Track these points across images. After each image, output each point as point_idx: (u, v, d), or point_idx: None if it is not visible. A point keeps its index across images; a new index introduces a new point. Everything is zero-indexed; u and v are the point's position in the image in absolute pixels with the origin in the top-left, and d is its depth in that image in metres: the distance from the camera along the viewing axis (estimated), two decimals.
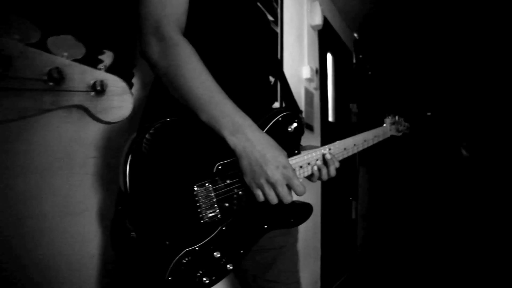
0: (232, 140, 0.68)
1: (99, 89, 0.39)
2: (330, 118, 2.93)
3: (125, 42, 0.96)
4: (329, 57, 3.08)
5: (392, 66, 4.36)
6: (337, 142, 0.96)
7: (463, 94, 4.27)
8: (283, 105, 1.08)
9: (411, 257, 3.74)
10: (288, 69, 2.05)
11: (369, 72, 3.50)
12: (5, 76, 0.32)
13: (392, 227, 4.29)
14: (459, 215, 3.94)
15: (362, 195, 3.76)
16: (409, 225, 4.28)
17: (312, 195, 2.37)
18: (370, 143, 1.09)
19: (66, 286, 0.87)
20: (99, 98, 0.39)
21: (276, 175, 0.68)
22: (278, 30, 1.99)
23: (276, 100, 1.86)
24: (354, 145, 1.01)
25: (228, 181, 0.74)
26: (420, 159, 4.42)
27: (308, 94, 2.31)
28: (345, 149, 0.98)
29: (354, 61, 3.51)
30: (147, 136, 0.65)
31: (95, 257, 0.94)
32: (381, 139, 1.14)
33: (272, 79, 1.75)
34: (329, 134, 2.67)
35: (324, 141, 2.53)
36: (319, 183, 2.50)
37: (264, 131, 0.79)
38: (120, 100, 0.42)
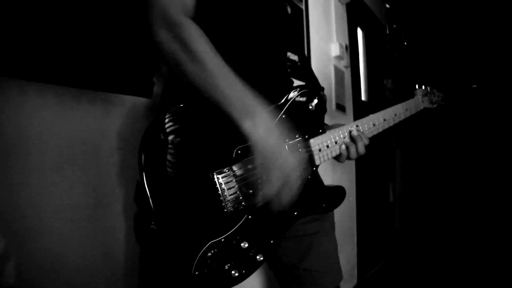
0: (246, 125, 0.63)
1: None
2: (363, 97, 2.78)
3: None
4: (359, 32, 2.90)
5: (430, 34, 4.00)
6: (365, 118, 0.90)
7: None
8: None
9: (452, 241, 3.53)
10: (315, 47, 1.94)
11: (405, 43, 3.23)
12: None
13: (431, 210, 4.06)
14: (502, 198, 3.62)
15: (400, 177, 3.58)
16: (450, 208, 4.02)
17: (346, 178, 2.28)
18: (402, 117, 0.99)
19: (99, 274, 0.89)
20: None
21: (292, 166, 0.65)
22: (303, 6, 1.88)
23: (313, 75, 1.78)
24: (384, 120, 0.93)
25: (250, 166, 0.69)
26: (463, 137, 4.09)
27: (338, 73, 2.18)
28: (374, 125, 0.91)
29: (387, 29, 3.24)
30: (160, 124, 0.62)
31: (122, 251, 0.95)
32: (413, 112, 1.05)
33: (295, 57, 1.67)
34: (362, 115, 2.52)
35: None
36: (353, 165, 2.40)
37: (284, 110, 0.75)
38: None
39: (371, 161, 2.82)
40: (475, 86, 4.16)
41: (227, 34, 0.78)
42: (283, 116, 0.75)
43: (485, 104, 3.97)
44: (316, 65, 1.92)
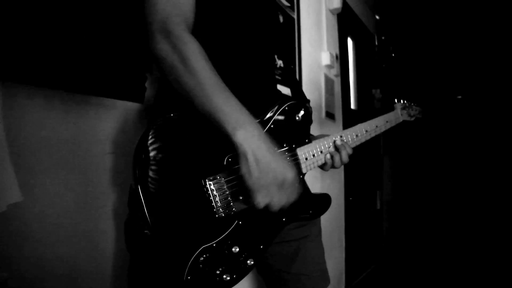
0: (237, 136, 0.64)
1: None
2: (352, 106, 2.83)
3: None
4: (349, 41, 2.96)
5: (417, 46, 4.12)
6: (348, 129, 0.95)
7: (498, 75, 3.98)
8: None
9: (438, 247, 3.60)
10: (306, 56, 1.98)
11: (393, 54, 3.33)
12: None
13: (418, 217, 4.13)
14: (489, 204, 3.72)
15: (387, 184, 3.64)
16: (437, 215, 4.11)
17: (335, 185, 2.31)
18: (383, 129, 1.07)
19: (88, 279, 0.88)
20: None
21: (284, 174, 0.66)
22: (295, 16, 1.92)
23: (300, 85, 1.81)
24: (366, 131, 0.99)
25: (240, 173, 0.70)
26: (449, 145, 4.20)
27: (328, 82, 2.22)
28: (357, 135, 0.96)
29: (376, 41, 3.34)
30: (152, 133, 0.63)
31: (112, 254, 0.95)
32: (393, 124, 1.12)
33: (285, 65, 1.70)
34: (351, 123, 2.57)
35: None
36: (341, 172, 2.44)
37: (271, 121, 0.79)
38: None
39: (359, 168, 2.87)
40: (460, 97, 4.30)
41: (219, 43, 0.80)
42: (272, 126, 0.78)
43: (471, 114, 4.09)
44: (307, 73, 1.96)
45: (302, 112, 0.83)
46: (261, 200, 0.65)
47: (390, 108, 1.20)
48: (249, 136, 0.63)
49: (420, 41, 4.12)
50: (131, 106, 0.99)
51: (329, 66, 2.23)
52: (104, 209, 0.93)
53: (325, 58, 2.17)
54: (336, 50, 2.43)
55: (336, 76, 2.38)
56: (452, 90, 4.28)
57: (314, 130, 0.94)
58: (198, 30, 0.75)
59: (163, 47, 0.67)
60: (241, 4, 0.88)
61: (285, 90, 1.18)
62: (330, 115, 2.19)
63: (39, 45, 0.77)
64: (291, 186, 0.67)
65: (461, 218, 3.90)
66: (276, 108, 0.80)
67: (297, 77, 1.85)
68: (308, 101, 0.91)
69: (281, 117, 0.80)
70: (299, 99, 0.86)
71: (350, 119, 2.57)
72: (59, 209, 0.83)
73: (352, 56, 2.99)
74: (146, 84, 0.99)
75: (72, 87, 0.85)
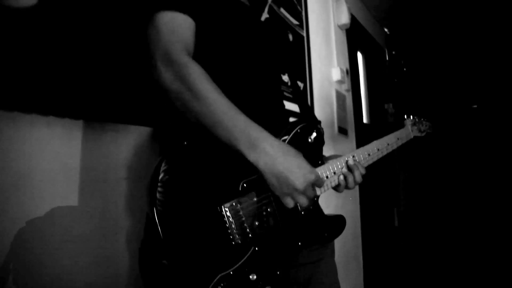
0: (252, 155, 0.65)
1: None
2: (365, 120, 2.80)
3: None
4: (359, 56, 2.97)
5: (429, 59, 4.09)
6: (360, 149, 0.94)
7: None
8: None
9: (460, 266, 3.44)
10: (317, 73, 1.98)
11: (404, 69, 3.31)
12: None
13: (439, 234, 3.98)
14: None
15: (405, 201, 3.55)
16: (458, 232, 3.95)
17: (350, 203, 2.26)
18: (394, 146, 1.06)
19: None
20: None
21: (303, 183, 0.66)
22: (304, 33, 1.94)
23: (307, 103, 1.82)
24: (378, 149, 0.98)
25: (255, 199, 0.71)
26: (467, 157, 4.07)
27: (340, 97, 2.22)
28: (369, 154, 0.95)
29: (387, 58, 3.33)
30: (166, 163, 0.64)
31: (128, 279, 0.94)
32: (404, 141, 1.12)
33: (301, 84, 1.73)
34: (364, 137, 2.54)
35: (359, 145, 2.41)
36: (356, 190, 2.39)
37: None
38: None
39: (375, 185, 2.81)
40: (475, 106, 4.20)
41: (226, 65, 0.82)
42: None
43: (487, 123, 3.98)
44: (318, 90, 1.96)
45: (314, 134, 0.84)
46: (289, 203, 0.67)
47: (403, 123, 1.19)
48: (262, 155, 0.64)
49: (431, 52, 4.09)
50: (144, 131, 1.00)
51: (340, 82, 2.23)
52: (119, 236, 0.93)
53: (336, 74, 2.17)
54: (346, 65, 2.43)
55: (347, 91, 2.37)
56: (466, 99, 4.20)
57: (327, 146, 0.93)
58: (200, 54, 0.77)
59: (166, 76, 0.68)
60: (242, 27, 0.89)
61: (293, 107, 1.19)
62: (342, 131, 2.17)
63: (56, 78, 0.80)
64: (315, 185, 0.69)
65: (482, 233, 3.74)
66: (288, 131, 0.80)
67: (308, 93, 1.85)
68: (319, 122, 0.91)
69: (294, 140, 0.80)
70: (311, 121, 0.86)
71: (363, 134, 2.54)
72: (77, 234, 0.83)
73: (362, 70, 2.98)
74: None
75: (90, 115, 0.87)
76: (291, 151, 0.68)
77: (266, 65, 0.93)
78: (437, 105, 3.92)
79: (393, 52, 3.26)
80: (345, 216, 0.91)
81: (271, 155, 0.65)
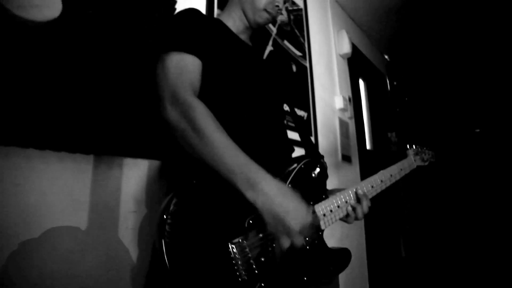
0: (249, 195, 0.67)
1: None
2: (368, 146, 2.81)
3: None
4: (361, 83, 3.02)
5: (428, 85, 4.15)
6: (363, 181, 0.95)
7: None
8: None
9: None
10: (320, 101, 2.02)
11: (406, 99, 3.36)
12: None
13: (446, 264, 3.87)
14: None
15: (411, 230, 3.48)
16: (466, 262, 3.84)
17: (355, 233, 2.23)
18: (398, 177, 1.06)
19: None
20: None
21: (299, 224, 0.67)
22: (307, 64, 1.99)
23: (311, 134, 1.84)
24: (381, 181, 0.99)
25: (260, 235, 0.72)
26: (473, 182, 4.03)
27: (343, 125, 2.24)
28: (372, 187, 0.96)
29: (388, 86, 3.39)
30: (176, 201, 0.65)
31: None
32: (407, 171, 1.12)
33: (305, 113, 1.76)
34: (368, 163, 2.55)
35: (363, 171, 2.42)
36: (362, 220, 2.36)
37: (289, 180, 0.80)
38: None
39: (380, 214, 2.78)
40: (478, 130, 4.21)
41: (230, 100, 0.85)
42: (289, 186, 0.80)
43: (490, 149, 3.97)
44: (321, 118, 1.99)
45: (318, 170, 0.86)
46: (284, 243, 0.67)
47: (405, 153, 1.20)
48: (260, 195, 0.66)
49: (431, 78, 4.16)
50: (152, 164, 1.02)
51: (343, 110, 2.26)
52: (128, 268, 0.93)
53: (339, 102, 2.21)
54: (348, 93, 2.48)
55: (350, 118, 2.40)
56: (469, 124, 4.21)
57: (331, 174, 0.95)
58: (205, 91, 0.80)
59: (173, 115, 0.71)
60: (244, 65, 0.94)
61: (296, 136, 1.22)
62: (346, 158, 2.18)
63: (68, 116, 0.83)
64: (310, 227, 0.69)
65: (491, 263, 3.63)
66: (292, 167, 0.82)
67: (312, 122, 1.88)
68: (322, 156, 0.93)
69: (297, 176, 0.82)
70: (314, 156, 0.89)
71: (366, 160, 2.55)
72: (84, 269, 0.84)
73: (364, 97, 3.03)
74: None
75: (100, 150, 0.89)
76: (288, 192, 0.69)
77: (269, 99, 0.97)
78: (440, 132, 3.93)
79: (395, 83, 3.32)
80: (350, 245, 0.91)
81: (268, 195, 0.66)
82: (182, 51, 0.79)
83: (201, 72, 0.81)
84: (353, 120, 2.47)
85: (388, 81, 3.48)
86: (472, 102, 4.12)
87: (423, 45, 3.70)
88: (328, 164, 0.96)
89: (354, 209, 0.88)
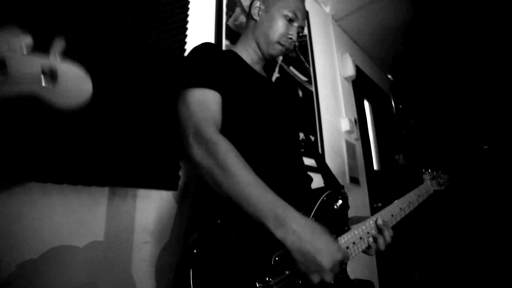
0: (279, 234, 0.66)
1: (50, 75, 0.36)
2: (375, 167, 2.81)
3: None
4: (366, 104, 3.05)
5: (434, 105, 4.17)
6: (383, 210, 0.95)
7: None
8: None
9: None
10: (326, 124, 2.05)
11: (412, 121, 3.37)
12: None
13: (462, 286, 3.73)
14: None
15: (424, 253, 3.39)
16: (482, 284, 3.70)
17: (366, 258, 2.18)
18: (416, 204, 1.06)
19: None
20: (53, 85, 0.37)
21: (330, 262, 0.66)
22: (313, 88, 2.03)
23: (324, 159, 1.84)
24: (401, 209, 0.99)
25: (287, 272, 0.71)
26: (485, 201, 3.94)
27: (350, 146, 2.25)
28: (392, 215, 0.96)
29: (393, 106, 3.41)
30: (202, 240, 0.66)
31: None
32: (425, 197, 1.12)
33: (312, 137, 1.78)
34: (376, 184, 2.53)
35: (372, 193, 2.40)
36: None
37: (312, 214, 0.80)
38: (77, 85, 0.41)
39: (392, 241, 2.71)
40: (486, 147, 4.16)
41: (250, 132, 0.86)
42: (313, 219, 0.80)
43: (501, 162, 3.89)
44: (328, 141, 2.00)
45: (340, 202, 0.85)
46: (315, 280, 0.67)
47: (416, 174, 1.19)
48: (290, 233, 0.65)
49: (435, 97, 4.18)
50: (165, 195, 1.04)
51: (349, 132, 2.28)
52: None
53: (345, 124, 2.23)
54: (354, 115, 2.51)
55: (356, 140, 2.41)
56: (476, 141, 4.17)
57: None
58: (225, 123, 0.81)
59: (198, 152, 0.72)
60: (263, 97, 0.96)
61: (310, 162, 1.23)
62: (354, 180, 2.17)
63: (85, 150, 0.86)
64: (340, 264, 0.69)
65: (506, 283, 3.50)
66: (315, 200, 0.82)
67: (319, 145, 1.89)
68: (343, 186, 0.93)
69: (320, 209, 0.81)
70: (335, 187, 0.89)
71: (374, 181, 2.54)
72: None
73: (370, 118, 3.05)
74: (180, 173, 1.04)
75: (114, 182, 0.91)
76: (318, 229, 0.68)
77: (287, 129, 0.99)
78: (448, 153, 3.89)
79: (400, 106, 3.35)
80: (362, 272, 0.90)
81: (298, 234, 0.65)
82: (202, 86, 0.80)
83: (221, 106, 0.82)
84: (359, 141, 2.48)
85: (392, 101, 3.50)
86: (478, 119, 4.11)
87: (426, 64, 3.75)
88: None
89: (375, 239, 0.86)
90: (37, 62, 0.37)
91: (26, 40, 0.37)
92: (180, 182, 1.05)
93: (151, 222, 0.99)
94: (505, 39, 3.19)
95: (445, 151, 3.90)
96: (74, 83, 0.40)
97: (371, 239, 0.86)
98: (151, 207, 1.00)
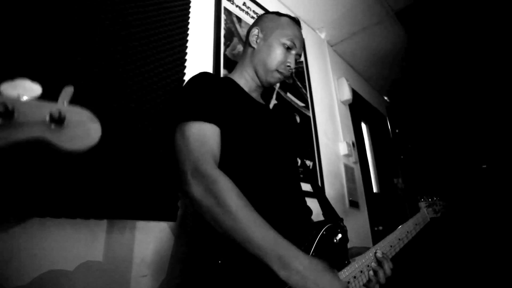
0: (282, 274, 0.65)
1: (57, 120, 0.37)
2: (375, 189, 2.80)
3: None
4: (363, 126, 3.09)
5: (431, 127, 4.22)
6: (382, 241, 0.94)
7: None
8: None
9: None
10: (324, 149, 2.06)
11: (409, 146, 3.40)
12: None
13: None
14: None
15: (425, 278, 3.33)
16: None
17: None
18: (414, 233, 1.06)
19: None
20: (61, 129, 0.38)
21: None
22: (310, 114, 2.06)
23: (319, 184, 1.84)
24: (399, 239, 0.99)
25: None
26: (486, 222, 3.90)
27: (348, 170, 2.26)
28: (391, 246, 0.95)
29: (390, 129, 3.44)
30: (203, 280, 0.68)
31: None
32: (422, 225, 1.11)
33: (310, 162, 1.78)
34: (376, 207, 2.52)
35: (372, 216, 2.39)
36: None
37: (312, 249, 0.79)
38: (85, 128, 0.41)
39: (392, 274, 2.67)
40: (485, 166, 4.17)
41: (250, 162, 0.86)
42: (313, 254, 0.78)
43: (499, 181, 3.88)
44: (326, 165, 2.01)
45: (339, 235, 0.85)
46: None
47: (414, 197, 1.19)
48: (293, 273, 0.64)
49: (431, 118, 4.23)
50: (164, 226, 1.04)
51: (347, 155, 2.29)
52: None
53: (343, 148, 2.25)
54: (352, 138, 2.53)
55: (355, 163, 2.42)
56: (475, 161, 4.18)
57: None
58: (224, 156, 0.81)
59: (197, 190, 0.71)
60: (262, 126, 0.96)
61: (306, 187, 1.23)
62: (354, 204, 2.16)
63: (83, 185, 0.86)
64: None
65: None
66: (314, 235, 0.81)
67: (318, 170, 1.90)
68: (342, 219, 0.92)
69: (320, 243, 0.81)
70: (334, 220, 0.88)
71: (374, 204, 2.52)
72: None
73: (367, 140, 3.07)
74: (179, 203, 1.04)
75: (112, 214, 0.91)
76: (320, 266, 0.68)
77: (286, 159, 0.98)
78: (446, 176, 3.89)
79: (397, 130, 3.39)
80: None
81: (301, 274, 0.64)
82: (201, 120, 0.80)
83: (220, 138, 0.82)
84: (358, 164, 2.49)
85: (389, 125, 3.54)
86: (475, 138, 4.13)
87: (421, 85, 3.82)
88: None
89: (375, 272, 0.84)
90: (46, 108, 0.38)
91: (35, 88, 0.38)
92: (179, 213, 1.05)
93: (150, 254, 0.98)
94: (497, 60, 3.27)
95: (443, 173, 3.90)
96: (83, 126, 0.40)
97: (371, 272, 0.84)
98: (150, 239, 1.00)
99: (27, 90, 0.37)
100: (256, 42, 1.08)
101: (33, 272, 0.76)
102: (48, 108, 0.38)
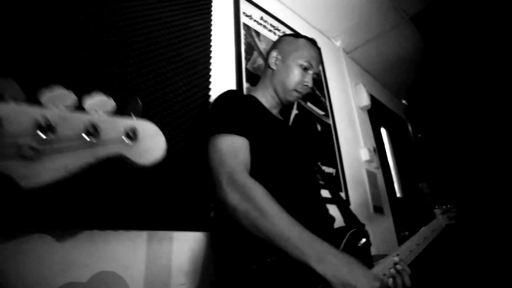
0: (320, 268, 0.70)
1: (131, 135, 0.39)
2: (398, 194, 2.77)
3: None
4: (383, 131, 3.07)
5: (453, 129, 4.13)
6: (401, 247, 0.97)
7: None
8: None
9: None
10: (346, 156, 2.07)
11: (432, 149, 3.35)
12: (52, 140, 0.34)
13: None
14: None
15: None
16: None
17: None
18: (431, 239, 1.10)
19: None
20: (134, 144, 0.40)
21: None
22: (330, 121, 2.09)
23: (341, 190, 1.85)
24: (417, 244, 1.02)
25: None
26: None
27: (371, 176, 2.26)
28: (411, 251, 0.98)
29: (410, 131, 3.39)
30: (238, 285, 0.71)
31: None
32: (439, 231, 1.16)
33: (333, 170, 1.81)
34: (400, 212, 2.49)
35: (397, 221, 2.36)
36: None
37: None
38: (153, 142, 0.42)
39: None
40: None
41: (275, 173, 0.91)
42: None
43: None
44: (349, 172, 2.02)
45: (363, 240, 0.88)
46: None
47: (442, 201, 1.20)
48: (330, 267, 0.70)
49: (451, 118, 4.14)
50: (199, 236, 1.08)
51: (369, 161, 2.29)
52: None
53: (364, 154, 2.26)
54: (372, 144, 2.53)
55: (377, 168, 2.42)
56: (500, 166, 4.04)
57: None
58: (252, 167, 0.86)
59: (234, 197, 0.76)
60: (278, 139, 1.01)
61: (326, 193, 1.25)
62: (378, 209, 2.15)
63: (126, 198, 0.93)
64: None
65: None
66: (339, 239, 0.85)
67: (341, 177, 1.91)
68: (364, 224, 0.96)
69: (346, 248, 0.85)
70: (358, 225, 0.92)
71: (398, 208, 2.50)
72: None
73: (388, 144, 3.05)
74: (211, 214, 1.09)
75: (152, 225, 0.97)
76: (353, 260, 0.73)
77: (307, 169, 1.04)
78: (472, 180, 3.78)
79: (419, 135, 3.35)
80: None
81: (337, 266, 0.70)
82: (232, 133, 0.86)
83: (249, 151, 0.88)
84: (380, 169, 2.48)
85: (410, 129, 3.50)
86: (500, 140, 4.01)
87: (439, 87, 3.77)
88: (361, 217, 0.99)
89: (394, 279, 0.86)
90: (121, 123, 0.40)
91: (111, 103, 0.40)
92: (211, 223, 1.10)
93: (186, 263, 1.02)
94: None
95: (469, 178, 3.79)
96: (151, 140, 0.42)
97: (390, 280, 0.87)
98: (186, 249, 1.04)
99: (102, 105, 0.39)
100: (275, 64, 1.17)
101: (84, 280, 0.81)
102: (122, 124, 0.40)
